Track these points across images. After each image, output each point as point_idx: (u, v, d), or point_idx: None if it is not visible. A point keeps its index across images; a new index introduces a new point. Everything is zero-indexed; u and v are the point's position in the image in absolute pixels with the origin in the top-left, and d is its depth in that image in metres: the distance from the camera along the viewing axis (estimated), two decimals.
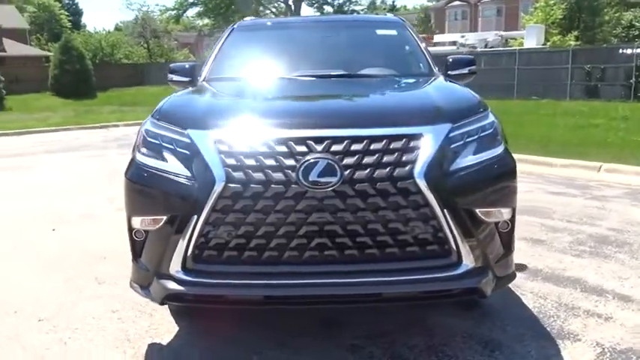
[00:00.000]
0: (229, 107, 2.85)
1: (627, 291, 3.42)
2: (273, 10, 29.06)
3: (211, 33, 26.98)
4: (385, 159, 2.33)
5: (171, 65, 3.92)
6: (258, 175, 2.30)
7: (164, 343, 2.89)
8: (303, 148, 2.33)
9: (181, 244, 2.37)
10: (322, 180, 2.27)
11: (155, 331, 3.01)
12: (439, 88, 3.17)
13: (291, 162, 2.31)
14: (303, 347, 2.79)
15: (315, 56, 3.85)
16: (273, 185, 2.29)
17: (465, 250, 2.40)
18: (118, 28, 46.57)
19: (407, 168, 2.32)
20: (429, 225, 2.36)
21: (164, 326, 3.06)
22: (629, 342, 2.80)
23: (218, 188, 2.30)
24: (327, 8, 29.58)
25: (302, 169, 2.28)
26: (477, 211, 2.45)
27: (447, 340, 2.83)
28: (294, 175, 2.28)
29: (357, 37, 4.12)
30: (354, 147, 2.34)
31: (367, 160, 2.32)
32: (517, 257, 3.94)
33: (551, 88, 18.92)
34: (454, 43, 24.18)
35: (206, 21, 28.91)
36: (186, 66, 3.88)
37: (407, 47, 3.91)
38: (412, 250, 2.38)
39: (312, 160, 2.29)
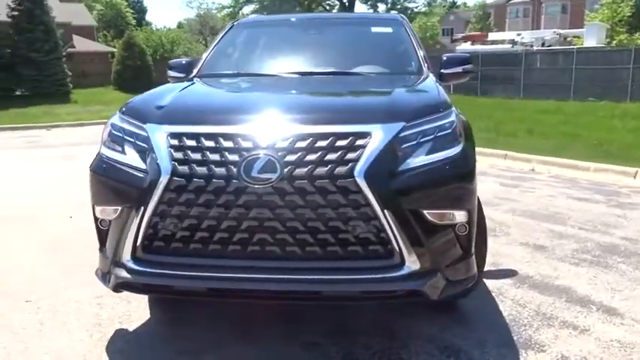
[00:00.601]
0: (188, 103, 2.90)
1: (616, 303, 3.25)
2: (327, 8, 29.14)
3: None
4: (328, 157, 2.32)
5: (170, 62, 4.05)
6: (202, 170, 2.35)
7: (131, 329, 3.00)
8: (248, 144, 2.36)
9: (131, 234, 2.45)
10: (262, 176, 2.29)
11: (127, 318, 3.12)
12: (408, 87, 3.12)
13: (234, 157, 2.34)
14: (263, 341, 2.83)
15: (304, 54, 3.86)
16: (215, 180, 2.33)
17: (408, 251, 2.35)
18: (179, 26, 48.03)
19: (348, 166, 2.30)
20: (370, 225, 2.33)
21: (138, 313, 3.17)
22: (596, 356, 2.67)
23: (163, 181, 2.36)
24: (381, 6, 29.41)
25: (244, 164, 2.31)
26: (426, 212, 2.40)
27: (407, 344, 2.79)
28: (235, 170, 2.31)
29: (351, 35, 4.10)
30: (299, 144, 2.34)
31: (310, 157, 2.32)
32: (511, 263, 3.90)
33: (610, 89, 17.98)
34: (510, 41, 23.41)
35: None
36: (183, 62, 4.00)
37: (399, 45, 3.85)
38: (354, 250, 2.36)
39: (254, 157, 2.32)
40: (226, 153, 2.36)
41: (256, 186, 2.29)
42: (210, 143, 2.40)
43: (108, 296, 3.38)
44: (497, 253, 4.13)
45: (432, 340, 2.82)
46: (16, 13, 26.61)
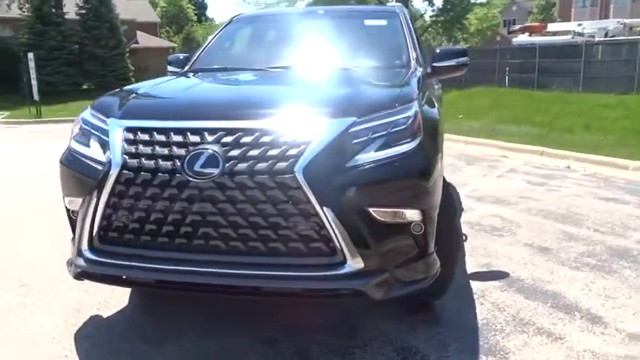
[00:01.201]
0: (150, 98, 2.95)
1: (604, 312, 3.05)
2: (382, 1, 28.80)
3: None
4: (271, 152, 2.31)
5: (169, 57, 4.14)
6: (149, 164, 2.39)
7: (105, 316, 3.10)
8: (194, 139, 2.39)
9: (88, 225, 2.53)
10: (204, 171, 2.31)
11: (105, 305, 3.23)
12: (378, 82, 3.06)
13: (181, 152, 2.37)
14: (223, 334, 2.85)
15: (290, 48, 3.85)
16: (160, 174, 2.37)
17: (350, 249, 2.30)
18: None
19: (289, 162, 2.27)
20: (310, 222, 2.29)
21: (117, 301, 3.26)
22: None
23: (114, 174, 2.42)
24: None
25: (188, 159, 2.34)
26: (372, 210, 2.34)
27: (365, 343, 2.73)
28: (179, 164, 2.34)
29: (342, 28, 4.03)
30: (242, 139, 2.34)
31: (252, 152, 2.32)
32: (506, 264, 3.74)
33: None
34: (570, 32, 22.26)
35: None
36: (181, 57, 4.08)
37: (391, 39, 3.76)
38: (295, 247, 2.34)
39: (197, 151, 2.34)
40: (174, 147, 2.40)
41: (198, 180, 2.31)
42: (161, 137, 2.44)
43: (95, 283, 3.49)
44: (495, 253, 3.98)
45: (393, 340, 2.75)
46: (83, 11, 28.04)
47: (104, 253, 2.54)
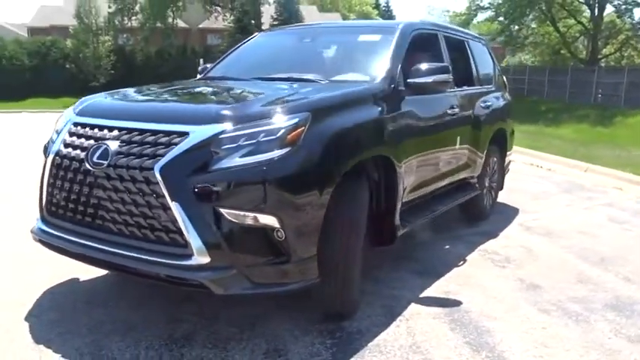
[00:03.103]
0: (107, 99, 3.38)
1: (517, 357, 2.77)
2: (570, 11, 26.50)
3: (493, 38, 26.24)
4: (145, 150, 2.65)
5: (200, 67, 4.70)
6: (69, 152, 2.90)
7: (69, 285, 3.68)
8: (102, 134, 2.85)
9: (39, 199, 3.13)
10: (99, 161, 2.74)
11: (86, 271, 3.81)
12: (271, 93, 3.26)
13: (91, 144, 2.83)
14: (141, 322, 3.07)
15: (278, 61, 4.15)
16: (74, 162, 2.86)
17: (196, 244, 2.53)
18: None
19: (153, 160, 2.59)
20: (167, 214, 2.57)
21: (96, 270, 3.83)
22: None
23: (50, 158, 2.99)
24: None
25: (91, 151, 2.79)
26: (224, 211, 2.54)
27: (248, 337, 2.90)
28: (86, 155, 2.80)
29: (335, 44, 4.18)
30: (127, 137, 2.73)
31: (134, 149, 2.68)
32: (471, 295, 3.51)
33: None
34: None
35: (496, 26, 28.19)
36: (207, 66, 4.60)
37: (374, 55, 3.79)
38: (159, 235, 2.64)
39: (98, 145, 2.78)
40: (90, 141, 2.87)
41: (94, 170, 2.75)
42: (86, 131, 2.94)
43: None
44: (474, 282, 3.74)
45: (274, 341, 2.87)
46: (276, 22, 30.83)
47: (51, 225, 3.09)
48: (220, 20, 31.85)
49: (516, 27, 26.84)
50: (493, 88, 5.50)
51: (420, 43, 4.20)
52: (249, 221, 2.56)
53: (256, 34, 4.74)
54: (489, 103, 5.12)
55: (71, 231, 2.96)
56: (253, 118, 2.68)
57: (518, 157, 9.64)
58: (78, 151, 2.87)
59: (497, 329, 3.07)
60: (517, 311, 3.32)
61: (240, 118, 2.67)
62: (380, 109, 3.39)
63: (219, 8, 31.90)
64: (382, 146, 3.34)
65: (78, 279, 3.69)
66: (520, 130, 14.93)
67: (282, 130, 2.63)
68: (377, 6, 51.77)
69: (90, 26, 28.99)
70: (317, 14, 39.76)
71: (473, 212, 5.26)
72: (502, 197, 6.22)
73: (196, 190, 2.53)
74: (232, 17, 30.77)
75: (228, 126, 2.63)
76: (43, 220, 3.13)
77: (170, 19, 30.99)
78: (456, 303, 3.40)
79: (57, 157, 2.96)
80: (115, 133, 2.80)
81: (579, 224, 5.34)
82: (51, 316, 3.15)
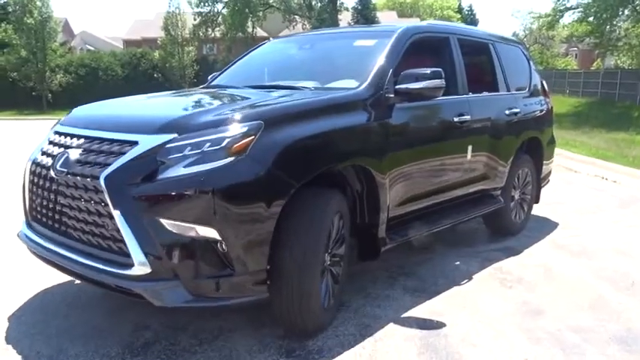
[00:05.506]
0: (90, 109, 3.42)
1: None
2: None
3: (579, 39, 24.58)
4: (98, 159, 2.69)
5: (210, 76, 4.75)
6: (42, 159, 3.01)
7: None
8: (67, 142, 2.92)
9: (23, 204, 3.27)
10: (60, 169, 2.81)
11: None
12: (225, 101, 3.33)
13: (59, 152, 2.92)
14: (109, 329, 3.09)
15: (274, 69, 4.11)
16: (43, 169, 2.96)
17: (137, 254, 2.52)
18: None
19: (100, 169, 2.61)
20: (111, 223, 2.58)
21: None
22: None
23: (28, 165, 3.11)
24: None
25: (56, 159, 2.87)
26: (164, 222, 2.50)
27: (200, 342, 2.86)
28: (51, 162, 2.89)
29: (332, 50, 4.06)
30: (85, 145, 2.80)
31: (90, 157, 2.73)
32: (461, 317, 3.28)
33: None
34: None
35: (583, 28, 26.34)
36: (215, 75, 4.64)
37: (365, 61, 3.60)
38: (108, 243, 2.66)
39: (61, 153, 2.86)
40: (60, 148, 2.95)
41: (57, 177, 2.82)
42: (60, 139, 3.03)
43: None
44: (471, 303, 3.46)
45: (225, 347, 2.81)
46: None
47: (32, 230, 3.19)
48: (300, 28, 32.37)
49: (608, 27, 24.96)
50: (526, 94, 5.10)
51: (424, 48, 3.99)
52: (191, 233, 2.51)
53: (265, 41, 4.71)
54: (517, 110, 4.75)
55: (46, 237, 3.05)
56: (201, 127, 2.64)
57: (583, 168, 8.96)
58: (49, 159, 2.96)
59: (471, 357, 2.81)
60: (503, 339, 3.03)
61: (188, 127, 2.64)
62: (360, 116, 3.23)
63: (297, 17, 32.42)
64: (359, 156, 3.18)
65: (74, 280, 3.81)
66: (604, 138, 14.01)
67: (228, 140, 2.57)
68: (460, 10, 50.39)
69: (176, 38, 30.59)
70: (396, 20, 39.33)
71: (498, 227, 4.91)
72: (544, 211, 5.79)
73: (138, 199, 2.52)
74: (310, 26, 31.16)
75: (175, 135, 2.61)
76: (28, 224, 3.26)
77: (250, 29, 31.90)
78: (438, 325, 3.15)
79: (33, 165, 3.08)
80: (81, 141, 2.87)
81: (620, 244, 4.81)
82: (33, 317, 3.27)
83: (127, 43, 39.12)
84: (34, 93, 26.84)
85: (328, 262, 3.03)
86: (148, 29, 37.52)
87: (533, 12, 33.23)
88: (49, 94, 27.04)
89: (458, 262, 4.26)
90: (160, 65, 30.30)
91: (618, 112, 21.33)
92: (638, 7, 23.44)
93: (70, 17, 65.99)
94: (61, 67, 28.32)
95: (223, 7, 31.87)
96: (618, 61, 33.46)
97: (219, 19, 32.06)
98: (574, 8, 25.77)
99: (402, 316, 3.29)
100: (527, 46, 33.71)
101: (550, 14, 26.64)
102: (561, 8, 26.08)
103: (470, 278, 3.93)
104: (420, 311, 3.36)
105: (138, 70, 30.22)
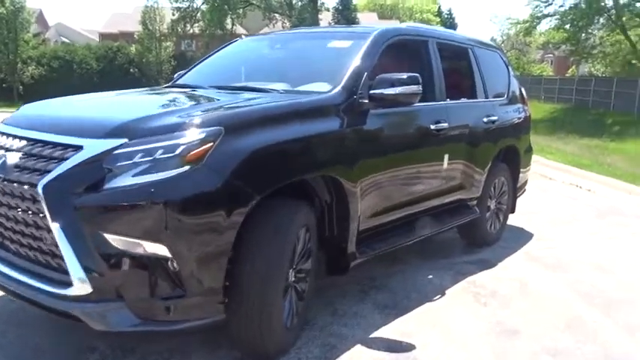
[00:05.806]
0: (35, 106, 3.13)
1: None
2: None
3: (555, 46, 24.79)
4: (38, 165, 2.41)
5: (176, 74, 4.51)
6: None
7: None
8: (11, 144, 2.61)
9: None
10: None
11: None
12: (179, 104, 3.11)
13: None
14: (54, 349, 2.86)
15: (241, 69, 3.87)
16: None
17: (77, 272, 2.26)
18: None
19: (39, 175, 2.34)
20: (49, 237, 2.33)
21: None
22: None
23: None
24: None
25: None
26: (108, 236, 2.25)
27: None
28: None
29: (304, 50, 3.86)
30: (33, 150, 2.49)
31: (29, 162, 2.45)
32: (430, 338, 3.09)
33: None
34: None
35: (559, 35, 26.56)
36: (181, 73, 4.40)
37: (339, 62, 3.40)
38: (45, 258, 2.40)
39: (1, 156, 2.57)
40: (1, 151, 2.65)
41: None
42: (1, 140, 2.73)
43: None
44: (438, 323, 3.29)
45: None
46: None
47: None
48: (279, 27, 32.10)
49: (583, 35, 25.26)
50: (504, 101, 4.97)
51: (401, 51, 3.81)
52: (137, 249, 2.27)
53: (237, 39, 4.48)
54: (495, 118, 4.60)
55: None
56: (154, 132, 2.39)
57: (558, 175, 8.92)
58: None
59: None
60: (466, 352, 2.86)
61: (140, 132, 2.39)
62: (331, 123, 3.03)
63: (277, 15, 32.17)
64: (329, 166, 2.98)
65: None
66: (578, 144, 14.08)
67: (183, 147, 2.33)
68: (439, 13, 50.58)
69: (154, 32, 30.06)
70: (376, 21, 39.28)
71: (473, 237, 4.76)
72: (519, 221, 5.65)
73: (80, 210, 2.27)
74: (290, 24, 30.94)
75: (125, 140, 2.36)
76: None
77: (229, 26, 31.52)
78: (408, 348, 2.97)
79: None
80: (22, 144, 2.58)
81: (597, 257, 4.70)
82: None
83: (104, 36, 38.32)
84: (4, 85, 26.14)
85: (293, 279, 2.82)
86: (125, 23, 36.80)
87: (511, 18, 33.53)
88: (20, 86, 26.33)
89: (431, 276, 4.08)
90: (136, 60, 29.75)
91: (592, 118, 21.59)
92: (612, 16, 23.73)
93: (45, 8, 64.55)
94: (33, 58, 27.62)
95: (203, 3, 31.46)
96: (592, 69, 33.95)
97: (199, 14, 31.62)
98: (551, 15, 26.06)
99: (371, 336, 3.09)
100: (505, 51, 34.05)
101: (528, 20, 26.84)
102: (539, 15, 26.34)
103: (443, 293, 3.76)
104: (390, 331, 3.17)
105: (114, 64, 29.62)
